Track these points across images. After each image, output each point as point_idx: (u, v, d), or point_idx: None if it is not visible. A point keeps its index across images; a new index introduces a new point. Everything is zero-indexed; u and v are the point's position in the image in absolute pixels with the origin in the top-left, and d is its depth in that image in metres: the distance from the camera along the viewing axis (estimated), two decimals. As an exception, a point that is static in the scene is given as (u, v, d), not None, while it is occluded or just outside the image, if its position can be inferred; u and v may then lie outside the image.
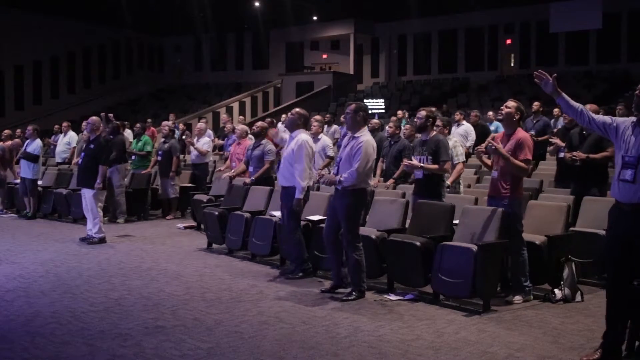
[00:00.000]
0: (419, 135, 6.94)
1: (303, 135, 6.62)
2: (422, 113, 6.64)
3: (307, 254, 6.69)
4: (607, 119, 4.20)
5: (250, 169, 8.66)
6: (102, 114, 11.51)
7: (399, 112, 15.33)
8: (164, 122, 12.26)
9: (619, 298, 4.02)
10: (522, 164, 5.47)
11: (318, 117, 9.29)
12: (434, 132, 6.66)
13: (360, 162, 5.69)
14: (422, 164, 6.47)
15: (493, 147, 5.51)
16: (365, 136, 5.81)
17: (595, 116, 4.24)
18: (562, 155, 7.34)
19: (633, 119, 4.07)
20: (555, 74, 4.34)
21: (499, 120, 5.88)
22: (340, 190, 5.84)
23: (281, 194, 6.76)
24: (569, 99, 4.29)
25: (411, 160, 6.65)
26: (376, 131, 10.41)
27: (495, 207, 5.61)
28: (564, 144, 7.41)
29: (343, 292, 5.86)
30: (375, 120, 11.60)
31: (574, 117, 4.35)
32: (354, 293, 5.75)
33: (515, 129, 5.63)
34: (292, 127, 6.73)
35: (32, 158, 11.17)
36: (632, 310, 3.98)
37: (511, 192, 5.55)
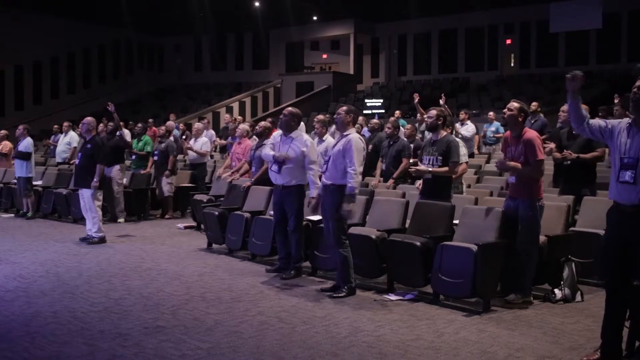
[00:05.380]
0: (419, 135, 6.93)
1: (307, 136, 6.75)
2: (433, 112, 6.56)
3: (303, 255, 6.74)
4: (602, 122, 4.16)
5: (253, 169, 8.68)
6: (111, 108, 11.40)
7: (397, 112, 15.31)
8: (168, 123, 12.24)
9: (617, 299, 4.02)
10: (533, 168, 5.44)
11: (320, 117, 8.97)
12: (445, 133, 6.59)
13: (354, 160, 5.75)
14: (430, 169, 6.40)
15: (498, 164, 5.64)
16: (353, 134, 5.95)
17: (592, 122, 4.18)
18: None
19: (628, 120, 4.03)
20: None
21: (503, 123, 5.86)
22: (330, 187, 5.89)
23: (282, 194, 6.70)
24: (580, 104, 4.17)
25: (412, 159, 6.64)
26: (376, 131, 10.39)
27: (514, 208, 5.53)
28: (554, 145, 7.34)
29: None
30: (375, 120, 11.58)
31: (576, 121, 4.19)
32: (344, 289, 5.79)
33: (521, 129, 5.61)
34: (287, 128, 6.70)
35: (25, 156, 11.20)
36: (632, 311, 3.98)
37: (530, 193, 5.49)
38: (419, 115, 11.48)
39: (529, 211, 5.47)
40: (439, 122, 6.51)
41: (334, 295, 5.76)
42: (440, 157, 6.39)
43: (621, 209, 3.96)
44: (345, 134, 5.96)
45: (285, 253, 6.78)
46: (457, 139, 7.86)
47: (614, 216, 4.04)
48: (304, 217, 6.71)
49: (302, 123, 7.97)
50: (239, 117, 19.12)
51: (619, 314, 4.01)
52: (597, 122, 4.18)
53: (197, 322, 5.00)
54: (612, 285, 4.06)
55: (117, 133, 11.33)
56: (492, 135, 13.62)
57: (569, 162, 6.90)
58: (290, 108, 6.92)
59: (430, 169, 6.40)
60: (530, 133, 5.61)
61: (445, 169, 6.38)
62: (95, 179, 8.70)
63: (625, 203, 3.92)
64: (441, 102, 10.71)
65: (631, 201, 3.87)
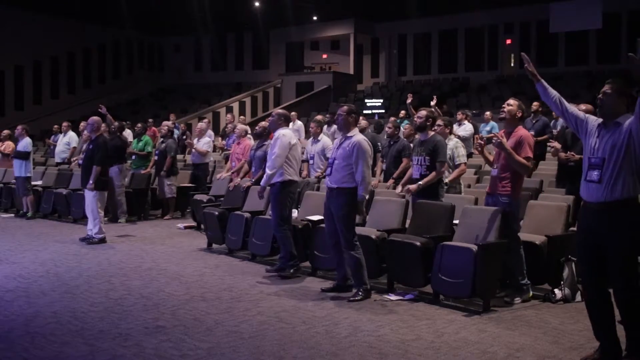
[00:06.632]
0: (418, 135, 6.95)
1: (281, 130, 6.80)
2: (423, 113, 6.63)
3: (295, 251, 6.70)
4: (581, 114, 4.22)
5: (253, 169, 8.68)
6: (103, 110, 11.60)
7: (402, 112, 15.34)
8: (164, 122, 12.25)
9: (596, 300, 4.04)
10: (524, 161, 5.47)
11: (318, 117, 9.18)
12: (433, 133, 6.65)
13: (362, 163, 5.72)
14: (421, 183, 6.46)
15: (498, 140, 5.48)
16: (357, 135, 5.92)
17: (571, 108, 4.26)
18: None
19: (599, 121, 4.10)
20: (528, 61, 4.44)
21: (501, 119, 5.84)
22: (336, 190, 5.85)
23: (270, 192, 6.86)
24: (547, 85, 4.34)
25: (410, 158, 6.62)
26: (364, 130, 10.44)
27: (493, 204, 5.61)
28: (560, 146, 7.34)
29: (345, 293, 5.86)
30: (364, 121, 11.66)
31: (550, 104, 4.34)
32: (360, 293, 5.72)
33: (516, 126, 5.63)
34: (274, 127, 6.92)
35: (23, 155, 11.22)
36: (619, 310, 3.97)
37: (510, 190, 5.55)
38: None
39: (507, 208, 5.51)
40: (428, 123, 6.59)
41: (351, 299, 5.66)
42: (428, 157, 6.47)
43: (588, 206, 4.03)
44: (349, 135, 5.91)
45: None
46: (455, 139, 7.87)
47: (583, 214, 4.11)
48: (286, 214, 6.69)
49: (299, 122, 8.09)
50: (242, 117, 19.13)
51: (603, 314, 4.02)
52: (576, 111, 4.25)
53: (197, 322, 5.00)
54: (589, 286, 4.09)
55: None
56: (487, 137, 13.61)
57: (572, 163, 6.91)
58: (278, 109, 7.09)
59: (420, 183, 6.46)
60: (523, 131, 5.64)
61: (433, 174, 6.45)
62: (90, 181, 8.67)
63: (592, 201, 3.99)
64: (432, 103, 10.79)
65: (597, 199, 3.95)
